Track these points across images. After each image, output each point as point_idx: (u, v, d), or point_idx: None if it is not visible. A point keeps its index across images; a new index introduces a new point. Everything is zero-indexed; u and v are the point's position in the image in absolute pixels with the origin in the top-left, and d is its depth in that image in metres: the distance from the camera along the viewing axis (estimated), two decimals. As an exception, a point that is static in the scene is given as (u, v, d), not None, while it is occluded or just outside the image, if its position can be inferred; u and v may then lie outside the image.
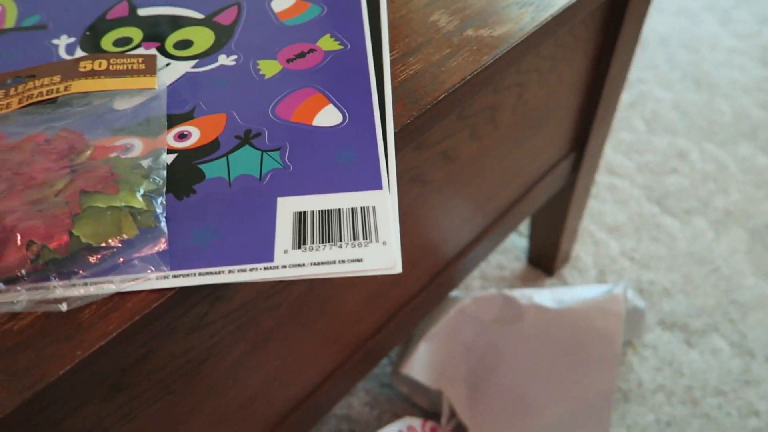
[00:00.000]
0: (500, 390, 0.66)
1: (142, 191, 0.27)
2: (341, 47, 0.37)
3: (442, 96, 0.35)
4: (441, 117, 0.36)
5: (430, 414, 0.73)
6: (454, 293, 0.71)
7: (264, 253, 0.26)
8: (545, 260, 0.88)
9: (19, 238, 0.24)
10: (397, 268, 0.25)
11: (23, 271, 0.24)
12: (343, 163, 0.30)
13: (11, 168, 0.28)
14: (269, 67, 0.36)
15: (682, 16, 1.34)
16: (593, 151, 0.70)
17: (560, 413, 0.64)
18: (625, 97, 1.15)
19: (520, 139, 0.56)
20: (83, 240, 0.25)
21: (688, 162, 1.03)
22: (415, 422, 0.65)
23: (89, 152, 0.29)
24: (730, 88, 1.16)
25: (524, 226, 0.94)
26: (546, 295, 0.65)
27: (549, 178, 0.66)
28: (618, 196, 0.98)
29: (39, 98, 0.33)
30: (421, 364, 0.64)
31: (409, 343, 0.68)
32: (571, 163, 0.69)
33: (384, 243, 0.26)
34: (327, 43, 0.37)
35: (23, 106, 0.32)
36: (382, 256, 0.26)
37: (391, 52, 0.37)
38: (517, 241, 0.93)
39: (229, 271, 0.26)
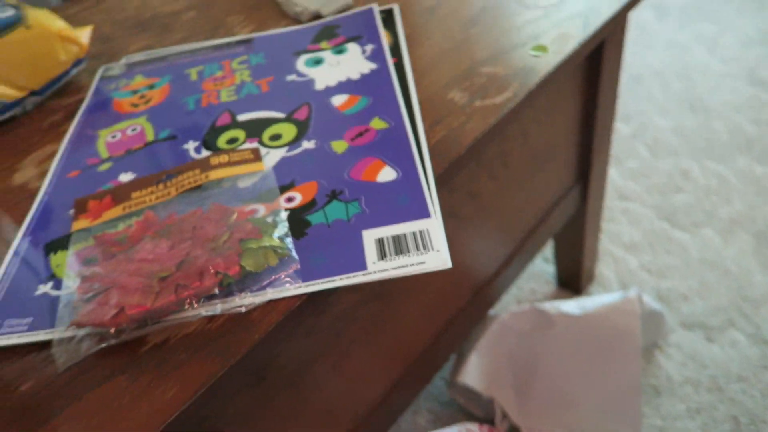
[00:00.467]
0: (542, 390, 0.77)
1: (276, 235, 0.41)
2: (387, 125, 0.52)
3: (463, 151, 0.49)
4: (463, 166, 0.50)
5: (485, 422, 0.84)
6: (492, 311, 0.83)
7: (360, 265, 0.40)
8: (572, 281, 0.99)
9: (211, 270, 0.39)
10: (449, 265, 0.39)
11: (216, 291, 0.38)
12: (402, 204, 0.44)
13: (190, 231, 0.42)
14: (339, 146, 0.51)
15: (672, 48, 1.48)
16: (597, 179, 0.83)
17: (595, 404, 0.75)
18: (627, 129, 1.28)
19: (530, 175, 0.70)
20: (247, 269, 0.39)
21: (692, 179, 1.15)
22: (473, 426, 0.76)
23: (235, 216, 0.43)
24: (723, 109, 1.29)
25: (550, 253, 1.06)
26: (571, 305, 0.76)
27: (561, 205, 0.79)
28: (631, 218, 1.10)
29: (189, 186, 0.48)
30: (473, 373, 0.75)
31: (460, 356, 0.79)
32: (579, 192, 0.82)
33: (438, 250, 0.40)
34: (377, 124, 0.52)
35: (180, 193, 0.48)
36: (437, 258, 0.40)
37: (423, 124, 0.51)
38: (545, 267, 1.05)
39: (340, 279, 0.39)
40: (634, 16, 1.58)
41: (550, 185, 0.76)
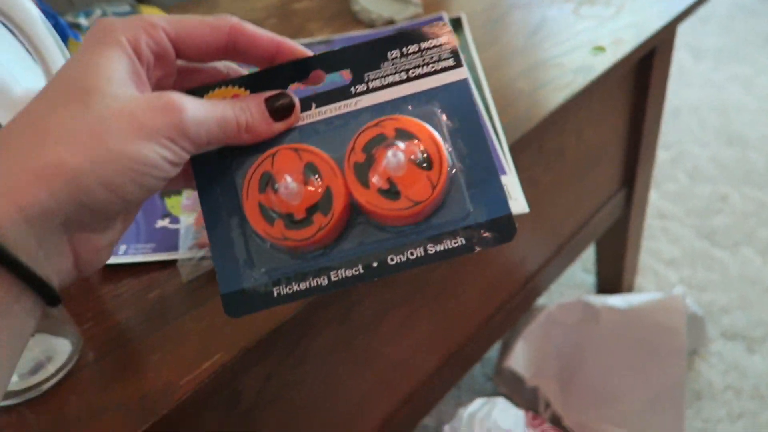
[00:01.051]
0: (586, 383, 0.79)
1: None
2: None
3: (530, 129, 0.54)
4: (528, 145, 0.56)
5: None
6: (539, 303, 0.87)
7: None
8: (612, 291, 1.02)
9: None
10: (527, 209, 0.44)
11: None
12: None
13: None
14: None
15: (708, 87, 1.54)
16: (641, 185, 0.88)
17: (640, 399, 0.77)
18: (667, 155, 1.33)
19: (581, 173, 0.75)
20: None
21: (730, 204, 1.18)
22: (519, 410, 0.79)
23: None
24: (759, 143, 1.33)
25: (591, 264, 1.10)
26: (618, 299, 0.80)
27: (607, 207, 0.84)
28: (671, 236, 1.13)
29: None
30: (520, 360, 0.79)
31: (507, 344, 0.83)
32: (624, 196, 0.87)
33: (516, 199, 0.45)
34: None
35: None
36: (516, 205, 0.45)
37: (495, 105, 0.57)
38: (586, 278, 1.08)
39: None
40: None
41: (598, 186, 0.80)
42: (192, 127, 0.23)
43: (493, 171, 0.26)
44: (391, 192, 0.25)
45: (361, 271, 0.26)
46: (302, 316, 0.41)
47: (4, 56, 0.47)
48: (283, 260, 0.26)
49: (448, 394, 0.72)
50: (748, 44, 1.67)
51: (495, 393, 0.91)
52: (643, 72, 0.75)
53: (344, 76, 0.27)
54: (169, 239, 0.47)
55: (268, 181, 0.26)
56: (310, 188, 0.25)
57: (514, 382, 0.82)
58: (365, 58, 0.27)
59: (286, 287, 0.26)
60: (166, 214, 0.50)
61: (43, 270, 0.22)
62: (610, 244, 0.96)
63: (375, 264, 0.26)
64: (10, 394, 0.37)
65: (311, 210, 0.25)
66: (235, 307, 0.25)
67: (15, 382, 0.38)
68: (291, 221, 0.25)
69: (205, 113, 0.24)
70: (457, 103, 0.27)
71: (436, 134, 0.26)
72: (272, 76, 0.27)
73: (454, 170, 0.26)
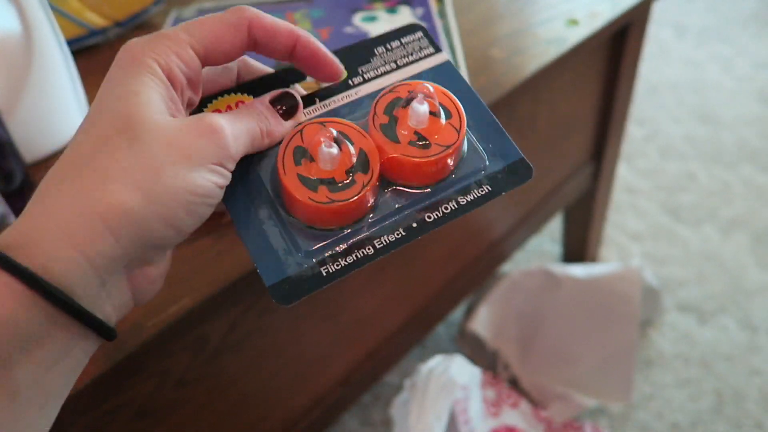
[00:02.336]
0: (545, 346, 0.83)
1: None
2: (435, 71, 0.59)
3: (501, 95, 0.56)
4: (499, 113, 0.57)
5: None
6: (506, 268, 0.90)
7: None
8: (577, 261, 1.06)
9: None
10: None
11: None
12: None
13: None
14: (392, 84, 0.58)
15: (688, 65, 1.55)
16: (609, 160, 0.90)
17: (594, 362, 0.81)
18: (640, 132, 1.35)
19: (552, 144, 0.77)
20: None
21: (697, 182, 1.21)
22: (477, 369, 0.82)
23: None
24: (732, 123, 1.36)
25: (557, 233, 1.13)
26: (578, 269, 0.83)
27: (575, 179, 0.86)
28: (637, 211, 1.17)
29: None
30: (482, 323, 0.82)
31: (471, 308, 0.86)
32: (592, 170, 0.89)
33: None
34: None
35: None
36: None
37: (468, 72, 0.58)
38: (552, 247, 1.11)
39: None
40: (653, 33, 1.66)
41: (568, 158, 0.82)
42: (233, 147, 0.24)
43: (498, 127, 0.29)
44: (421, 142, 0.27)
45: (403, 233, 0.27)
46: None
47: (-23, -4, 0.47)
48: (324, 237, 0.26)
49: (412, 352, 0.75)
50: (731, 24, 1.69)
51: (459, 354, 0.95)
52: (617, 47, 0.76)
53: None
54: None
55: (303, 154, 0.26)
56: (346, 153, 0.26)
57: (476, 344, 0.85)
58: (356, 56, 0.30)
59: (333, 264, 0.26)
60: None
61: (104, 310, 0.22)
62: (577, 216, 0.99)
63: (414, 224, 0.27)
64: None
65: (351, 171, 0.26)
66: (284, 295, 0.25)
67: None
68: (334, 185, 0.26)
69: (239, 129, 0.24)
70: (447, 79, 0.30)
71: (446, 90, 0.28)
72: (273, 81, 0.28)
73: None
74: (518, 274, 0.84)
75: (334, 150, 0.26)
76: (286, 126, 0.27)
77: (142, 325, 0.37)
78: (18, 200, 0.47)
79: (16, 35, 0.49)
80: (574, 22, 0.65)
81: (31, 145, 0.50)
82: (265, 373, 0.54)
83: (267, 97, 0.27)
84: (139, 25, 0.72)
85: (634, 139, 1.33)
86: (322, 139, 0.26)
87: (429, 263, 0.68)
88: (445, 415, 0.54)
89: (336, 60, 0.28)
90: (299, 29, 0.26)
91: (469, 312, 0.86)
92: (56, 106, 0.52)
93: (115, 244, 0.21)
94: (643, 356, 0.91)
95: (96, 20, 0.67)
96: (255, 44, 0.26)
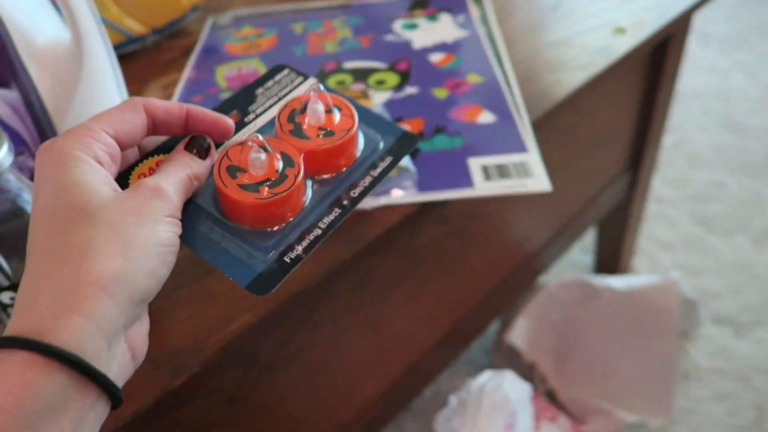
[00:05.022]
0: (581, 359, 0.81)
1: (394, 153, 0.47)
2: (482, 79, 0.58)
3: (553, 106, 0.55)
4: (544, 123, 0.56)
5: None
6: (540, 280, 0.88)
7: (468, 183, 0.46)
8: (608, 272, 1.04)
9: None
10: (549, 188, 0.45)
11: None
12: (501, 140, 0.50)
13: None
14: (440, 93, 0.57)
15: (713, 73, 1.54)
16: (646, 170, 0.88)
17: (633, 376, 0.79)
18: (668, 140, 1.34)
19: (590, 154, 0.75)
20: (371, 175, 0.45)
21: (727, 191, 1.20)
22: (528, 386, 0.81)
23: (355, 136, 0.49)
24: (758, 131, 1.34)
25: (588, 244, 1.11)
26: (616, 280, 0.81)
27: (611, 189, 0.84)
28: (667, 221, 1.15)
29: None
30: (519, 335, 0.80)
31: (507, 320, 0.85)
32: (628, 180, 0.88)
33: (537, 177, 0.46)
34: (473, 78, 0.58)
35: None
36: (537, 183, 0.45)
37: (516, 80, 0.57)
38: (583, 258, 1.10)
39: (450, 192, 0.45)
40: (677, 39, 1.64)
41: (605, 168, 0.81)
42: (175, 199, 0.27)
43: (376, 115, 0.35)
44: (327, 133, 0.32)
45: (339, 211, 0.31)
46: (321, 283, 0.42)
47: (28, 4, 0.46)
48: (275, 234, 0.30)
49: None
50: (753, 32, 1.67)
51: (490, 366, 0.93)
52: (658, 57, 0.75)
53: (234, 117, 0.34)
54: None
55: (236, 169, 0.30)
56: (271, 156, 0.30)
57: (512, 356, 0.83)
58: (242, 100, 0.35)
59: (292, 252, 0.29)
60: (187, 174, 0.50)
61: (112, 374, 0.24)
62: (611, 226, 0.97)
63: (345, 202, 0.31)
64: None
65: (281, 170, 0.30)
66: (261, 288, 0.28)
67: None
68: (271, 182, 0.30)
69: (173, 183, 0.28)
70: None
71: (332, 91, 0.34)
72: (178, 139, 0.32)
73: None
74: (555, 286, 0.82)
75: (263, 155, 0.30)
76: (206, 164, 0.30)
77: (205, 343, 0.36)
78: (68, 211, 0.46)
79: (66, 42, 0.48)
80: (621, 31, 0.63)
81: (80, 154, 0.49)
82: (310, 388, 0.53)
83: (181, 145, 0.30)
84: (176, 32, 0.72)
85: (662, 148, 1.31)
86: (251, 148, 0.30)
87: (468, 276, 0.66)
88: (498, 433, 0.52)
89: (225, 119, 0.31)
90: (189, 105, 0.30)
91: (505, 323, 0.85)
92: (104, 114, 0.51)
93: (114, 304, 0.23)
94: (680, 370, 0.89)
95: (135, 27, 0.66)
96: (154, 124, 0.29)
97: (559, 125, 0.65)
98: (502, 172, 0.47)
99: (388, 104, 0.55)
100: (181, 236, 0.28)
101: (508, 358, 0.85)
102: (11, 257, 0.34)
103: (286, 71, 0.36)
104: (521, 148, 0.49)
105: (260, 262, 0.29)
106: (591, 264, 1.08)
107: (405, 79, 0.59)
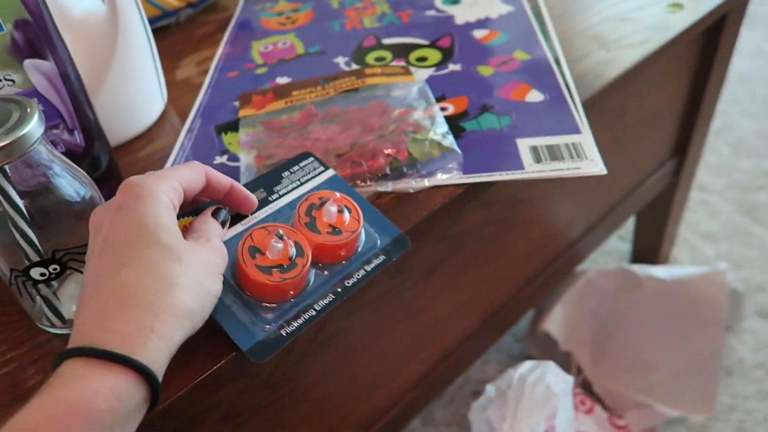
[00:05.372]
0: (620, 350, 0.79)
1: (438, 131, 0.45)
2: (530, 57, 0.55)
3: (603, 86, 0.52)
4: (594, 105, 0.53)
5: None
6: (579, 268, 0.85)
7: (517, 165, 0.43)
8: (647, 261, 1.01)
9: (383, 152, 0.43)
10: (605, 171, 0.42)
11: (387, 171, 0.42)
12: (552, 120, 0.47)
13: (356, 121, 0.46)
14: (485, 70, 0.54)
15: (759, 57, 1.47)
16: (693, 156, 0.85)
17: (674, 370, 0.76)
18: (711, 126, 1.28)
19: (638, 138, 0.72)
20: (414, 155, 0.43)
21: (774, 180, 1.14)
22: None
23: (397, 112, 0.47)
24: (809, 118, 1.28)
25: (626, 232, 1.08)
26: (660, 270, 0.78)
27: (656, 176, 0.81)
28: (710, 209, 1.11)
29: (346, 88, 0.52)
30: (555, 323, 0.78)
31: (543, 308, 0.82)
32: (674, 166, 0.84)
33: (591, 159, 0.43)
34: (520, 55, 0.55)
35: (338, 93, 0.52)
36: (591, 166, 0.43)
37: (565, 58, 0.54)
38: (620, 245, 1.06)
39: (499, 175, 0.43)
40: (722, 21, 1.57)
41: (651, 153, 0.78)
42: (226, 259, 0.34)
43: (379, 215, 0.40)
44: (335, 231, 0.37)
45: (332, 296, 0.36)
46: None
47: (63, -27, 0.45)
48: (278, 309, 0.35)
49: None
50: (803, 14, 1.59)
51: (522, 354, 0.91)
52: (712, 37, 0.71)
53: (259, 195, 0.40)
54: (229, 176, 0.45)
55: (256, 251, 0.35)
56: (286, 245, 0.36)
57: (547, 345, 0.81)
58: (271, 180, 0.41)
59: (288, 327, 0.35)
60: (224, 151, 0.48)
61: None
62: (652, 214, 0.94)
63: (339, 289, 0.37)
64: (71, 323, 0.36)
65: (293, 258, 0.35)
66: (259, 355, 0.34)
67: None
68: (283, 268, 0.35)
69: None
70: (339, 187, 0.41)
71: (344, 194, 0.39)
72: (202, 208, 0.37)
73: None
74: (595, 274, 0.79)
75: (280, 245, 0.35)
76: (223, 232, 0.36)
77: (244, 326, 0.35)
78: (103, 186, 0.45)
79: (102, 14, 0.46)
80: (677, 6, 0.60)
81: (115, 128, 0.48)
82: (346, 374, 0.51)
83: (208, 211, 0.36)
84: (210, 6, 0.70)
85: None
86: (272, 237, 0.35)
87: (508, 263, 0.64)
88: (541, 427, 0.50)
89: (253, 199, 0.38)
90: (233, 181, 0.36)
91: (541, 312, 0.83)
92: (140, 87, 0.50)
93: (182, 334, 0.28)
94: (723, 365, 0.86)
95: (170, 0, 0.65)
96: (205, 187, 0.35)
97: (607, 107, 0.62)
98: (554, 153, 0.44)
99: (430, 81, 0.53)
100: None
101: (542, 347, 0.83)
102: (42, 232, 0.33)
103: (310, 159, 0.43)
104: (573, 129, 0.46)
105: (260, 331, 0.34)
106: (628, 253, 1.04)
107: (447, 55, 0.57)
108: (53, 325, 0.37)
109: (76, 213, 0.34)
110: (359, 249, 0.38)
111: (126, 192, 0.30)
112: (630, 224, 1.03)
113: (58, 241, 0.34)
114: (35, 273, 0.34)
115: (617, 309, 0.79)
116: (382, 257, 0.38)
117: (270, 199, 0.40)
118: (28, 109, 0.31)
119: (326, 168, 0.42)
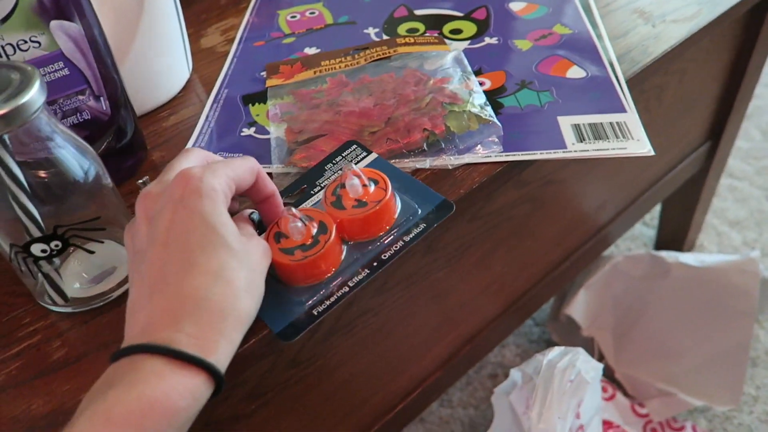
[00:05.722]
0: (644, 337, 0.77)
1: (477, 103, 0.43)
2: (571, 32, 0.52)
3: (649, 63, 0.49)
4: (634, 83, 0.51)
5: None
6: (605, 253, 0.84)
7: (559, 144, 0.41)
8: (671, 247, 0.98)
9: (419, 127, 0.41)
10: (652, 152, 0.40)
11: (425, 147, 0.40)
12: (594, 98, 0.45)
13: (390, 91, 0.44)
14: (523, 44, 0.52)
15: (793, 40, 1.42)
16: (727, 141, 0.82)
17: (700, 359, 0.75)
18: (741, 110, 1.25)
19: (674, 119, 0.69)
20: (452, 129, 0.41)
21: (806, 167, 1.11)
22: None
23: (432, 82, 0.45)
24: None
25: (651, 217, 1.05)
26: (689, 257, 0.76)
27: (689, 159, 0.78)
28: (738, 196, 1.08)
29: (378, 57, 0.50)
30: (579, 309, 0.76)
31: (567, 293, 0.81)
32: (707, 151, 0.81)
33: (638, 140, 0.41)
34: (560, 29, 0.53)
35: (369, 62, 0.49)
36: (638, 146, 0.41)
37: (607, 34, 0.52)
38: (644, 230, 1.04)
39: (540, 153, 0.41)
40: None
41: (686, 136, 0.75)
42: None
43: (420, 185, 0.38)
44: (360, 204, 0.36)
45: (368, 271, 0.35)
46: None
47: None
48: (311, 290, 0.35)
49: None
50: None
51: (540, 339, 0.89)
52: (756, 16, 0.68)
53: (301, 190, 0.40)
54: (257, 149, 0.44)
55: (281, 236, 0.35)
56: (309, 225, 0.35)
57: (570, 330, 0.80)
58: (313, 175, 0.41)
59: (320, 306, 0.34)
60: (252, 123, 0.47)
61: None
62: (679, 199, 0.91)
63: (375, 263, 0.35)
64: (75, 301, 0.36)
65: (315, 236, 0.35)
66: (289, 335, 0.33)
67: (79, 289, 0.36)
68: (305, 247, 0.35)
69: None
70: (380, 166, 0.39)
71: (372, 169, 0.38)
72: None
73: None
74: (622, 259, 0.77)
75: (299, 224, 0.35)
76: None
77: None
78: (128, 157, 0.44)
79: (128, -24, 0.45)
80: (726, -20, 0.57)
81: (141, 96, 0.47)
82: (372, 354, 0.50)
83: (247, 213, 0.36)
84: (235, -27, 0.68)
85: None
86: (288, 218, 0.35)
87: (537, 245, 0.62)
88: (571, 415, 0.49)
89: (282, 211, 0.36)
90: (275, 190, 0.36)
91: (564, 296, 0.81)
92: (166, 54, 0.48)
93: (242, 335, 0.30)
94: (749, 355, 0.84)
95: (194, -33, 0.63)
96: (249, 187, 0.34)
97: (646, 86, 0.59)
98: (597, 132, 0.42)
99: (465, 54, 0.51)
100: None
101: (564, 332, 0.81)
102: (43, 207, 0.31)
103: (353, 147, 0.41)
104: (618, 107, 0.44)
105: (293, 313, 0.34)
106: (652, 238, 1.02)
107: (483, 28, 0.54)
108: (55, 303, 0.35)
109: (79, 188, 0.33)
110: (395, 220, 0.37)
111: (185, 185, 0.30)
112: (655, 209, 1.01)
113: (61, 217, 0.32)
114: (36, 249, 0.32)
115: (643, 295, 0.77)
116: (422, 225, 0.36)
117: (311, 192, 0.40)
118: (30, 77, 0.29)
119: (369, 153, 0.41)
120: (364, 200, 0.36)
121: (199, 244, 0.29)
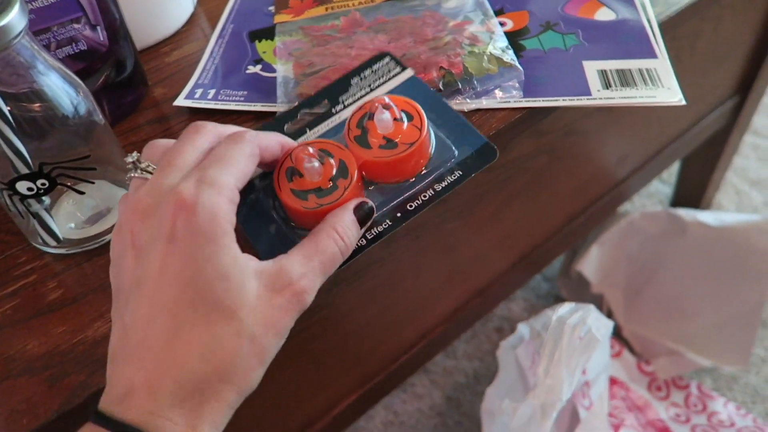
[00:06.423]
0: (656, 296, 0.76)
1: (497, 45, 0.40)
2: (601, -30, 0.49)
3: (685, 7, 0.46)
4: (667, 29, 0.47)
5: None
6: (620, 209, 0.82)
7: (583, 90, 0.39)
8: (689, 206, 0.96)
9: (435, 65, 0.38)
10: (683, 101, 0.37)
11: (440, 86, 0.38)
12: (624, 42, 0.42)
13: (408, 32, 0.42)
14: (549, -17, 0.48)
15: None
16: (755, 96, 0.78)
17: (712, 320, 0.74)
18: None
19: (706, 70, 0.66)
20: (470, 70, 0.38)
21: (834, 127, 1.07)
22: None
23: (452, 24, 0.42)
24: None
25: (668, 174, 1.02)
26: (708, 215, 0.74)
27: (715, 114, 0.75)
28: (761, 154, 1.04)
29: (394, -3, 0.46)
30: (590, 265, 0.75)
31: (579, 248, 0.79)
32: (735, 105, 0.78)
33: (668, 88, 0.38)
34: (590, -33, 0.49)
35: (385, 1, 0.46)
36: (669, 95, 0.38)
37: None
38: (660, 187, 1.01)
39: (563, 100, 0.38)
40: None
41: (715, 88, 0.71)
42: (311, 299, 0.27)
43: (462, 121, 0.33)
44: (389, 144, 0.31)
45: (390, 223, 0.31)
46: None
47: None
48: None
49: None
50: None
51: (549, 294, 0.88)
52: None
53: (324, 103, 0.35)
54: (263, 87, 0.42)
55: (293, 173, 0.30)
56: (328, 165, 0.30)
57: (579, 286, 0.78)
58: (337, 89, 0.36)
59: None
60: (258, 60, 0.44)
61: None
62: (700, 156, 0.88)
63: (399, 214, 0.31)
64: (68, 242, 0.34)
65: (334, 179, 0.30)
66: None
67: (73, 230, 0.34)
68: (321, 192, 0.30)
69: (317, 271, 0.27)
70: (414, 90, 0.34)
71: (408, 99, 0.32)
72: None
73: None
74: (638, 216, 0.75)
75: (316, 164, 0.30)
76: (361, 233, 0.30)
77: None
78: (128, 92, 0.42)
79: None
80: None
81: (142, 28, 0.44)
82: (379, 306, 0.49)
83: (351, 205, 0.29)
84: None
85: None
86: (304, 157, 0.30)
87: (553, 199, 0.60)
88: (579, 372, 0.48)
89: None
90: (283, 138, 0.31)
91: (574, 252, 0.79)
92: (168, -15, 0.45)
93: (231, 412, 0.26)
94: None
95: None
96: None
97: (679, 32, 0.55)
98: (625, 79, 0.39)
99: (487, -7, 0.48)
100: (247, 228, 0.31)
101: (574, 288, 0.80)
102: (31, 142, 0.29)
103: (386, 59, 0.36)
104: (648, 53, 0.41)
105: None
106: (669, 196, 0.99)
107: (507, -36, 0.50)
108: (46, 244, 0.34)
109: (69, 123, 0.31)
110: (430, 162, 0.32)
111: (176, 217, 0.24)
112: (674, 166, 0.98)
113: (51, 154, 0.31)
114: (22, 187, 0.30)
115: (658, 254, 0.75)
116: (458, 173, 0.31)
117: (333, 111, 0.34)
118: (8, -1, 0.27)
119: (404, 68, 0.35)
120: (395, 140, 0.31)
121: (191, 303, 0.24)
